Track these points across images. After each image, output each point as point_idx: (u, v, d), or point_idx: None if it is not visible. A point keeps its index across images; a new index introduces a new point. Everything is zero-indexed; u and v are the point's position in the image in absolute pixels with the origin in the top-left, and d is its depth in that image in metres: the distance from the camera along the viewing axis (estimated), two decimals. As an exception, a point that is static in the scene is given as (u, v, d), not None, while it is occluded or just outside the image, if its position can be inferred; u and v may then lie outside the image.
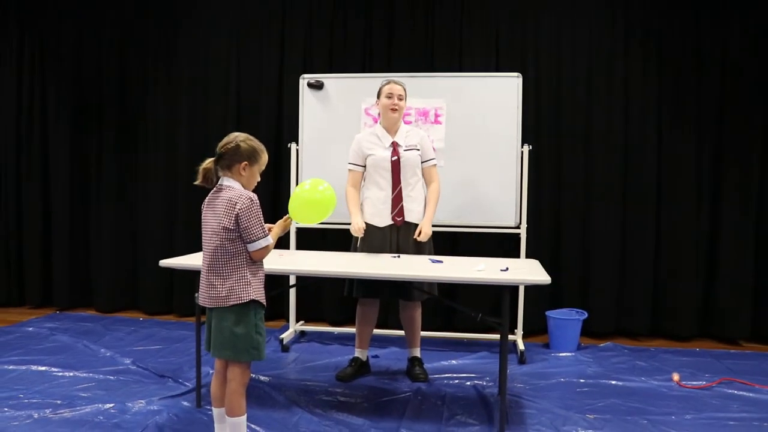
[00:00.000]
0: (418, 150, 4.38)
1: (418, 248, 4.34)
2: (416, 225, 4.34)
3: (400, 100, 4.35)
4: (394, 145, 4.36)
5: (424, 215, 4.36)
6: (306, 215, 3.36)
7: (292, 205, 3.35)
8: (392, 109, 4.34)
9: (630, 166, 5.60)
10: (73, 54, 6.45)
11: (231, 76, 6.12)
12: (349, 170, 4.47)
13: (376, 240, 4.34)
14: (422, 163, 4.41)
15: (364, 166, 4.43)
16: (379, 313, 4.62)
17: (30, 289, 6.62)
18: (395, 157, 4.33)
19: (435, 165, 4.47)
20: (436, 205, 4.41)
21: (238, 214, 2.89)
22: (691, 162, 5.53)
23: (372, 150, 4.38)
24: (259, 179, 3.10)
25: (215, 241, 2.94)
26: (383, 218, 4.36)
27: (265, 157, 3.08)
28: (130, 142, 6.40)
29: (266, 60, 6.05)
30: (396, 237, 4.36)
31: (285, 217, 3.24)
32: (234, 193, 2.94)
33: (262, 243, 2.95)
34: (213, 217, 2.96)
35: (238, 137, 2.99)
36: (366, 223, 4.35)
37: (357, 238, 4.37)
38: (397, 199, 4.33)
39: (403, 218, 4.34)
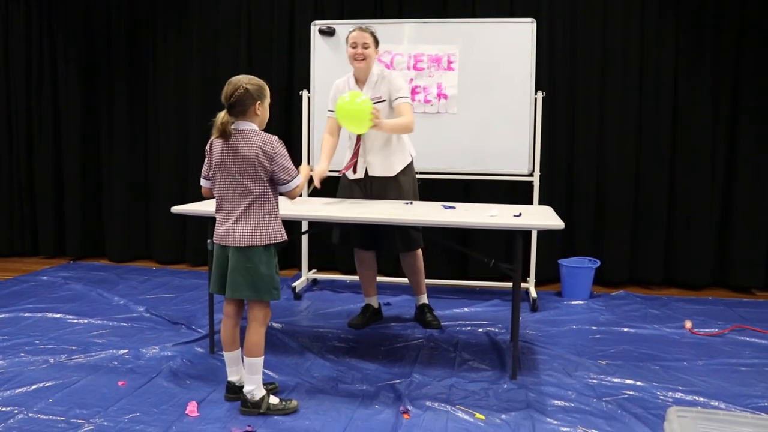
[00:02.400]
0: (385, 101, 4.17)
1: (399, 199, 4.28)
2: (382, 179, 4.27)
3: (366, 48, 4.11)
4: None
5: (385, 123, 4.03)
6: (348, 123, 3.87)
7: (339, 115, 3.84)
8: (356, 59, 4.15)
9: (645, 113, 5.51)
10: (81, 5, 6.36)
11: (242, 24, 6.03)
12: (327, 117, 4.39)
13: (353, 190, 4.32)
14: (392, 101, 4.18)
15: None
16: (378, 259, 4.62)
17: (43, 239, 6.66)
18: None
19: (406, 102, 4.17)
20: (396, 128, 4.12)
21: (273, 158, 2.97)
22: (708, 109, 5.43)
23: None
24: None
25: (251, 185, 2.98)
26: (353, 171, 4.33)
27: (268, 90, 3.10)
28: (141, 91, 6.36)
29: (277, 7, 5.95)
30: (370, 189, 4.31)
31: (304, 164, 3.28)
32: (261, 138, 2.99)
33: (296, 182, 3.07)
34: (241, 160, 2.97)
35: (241, 81, 2.98)
36: (344, 175, 4.36)
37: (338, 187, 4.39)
38: (354, 155, 4.26)
39: (356, 173, 4.27)
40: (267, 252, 3.02)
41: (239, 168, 2.98)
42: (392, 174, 4.28)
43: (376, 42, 4.20)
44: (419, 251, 4.46)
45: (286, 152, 3.03)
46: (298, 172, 3.11)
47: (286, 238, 3.09)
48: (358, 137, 4.23)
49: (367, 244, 4.38)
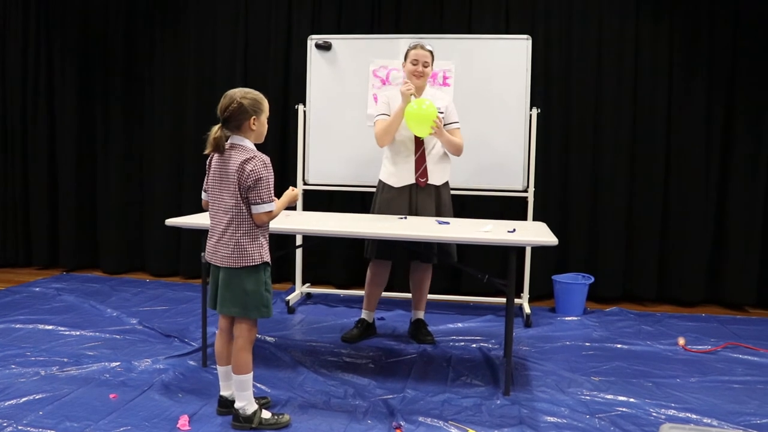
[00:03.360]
0: (443, 113, 4.29)
1: (438, 211, 4.33)
2: (434, 186, 4.33)
3: (426, 67, 4.26)
4: None
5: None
6: (413, 125, 4.06)
7: (407, 117, 4.04)
8: (416, 75, 4.27)
9: (639, 129, 5.54)
10: (79, 14, 6.36)
11: (238, 37, 6.04)
12: (378, 121, 4.37)
13: (394, 200, 4.33)
14: (445, 125, 4.27)
15: None
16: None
17: (37, 250, 6.62)
18: None
19: (458, 128, 4.38)
20: (451, 143, 4.27)
21: (250, 176, 2.89)
22: (702, 125, 5.46)
23: None
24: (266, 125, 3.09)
25: (232, 202, 2.94)
26: (400, 179, 4.33)
27: (266, 103, 3.05)
28: (137, 102, 6.36)
29: (274, 21, 5.97)
30: (415, 198, 4.32)
31: (291, 188, 3.20)
32: (249, 155, 2.93)
33: (266, 207, 2.94)
34: (226, 176, 2.95)
35: (236, 96, 2.93)
36: (383, 183, 4.39)
37: (376, 199, 4.45)
38: (420, 161, 4.30)
39: (427, 179, 4.31)
40: (255, 269, 2.99)
41: (223, 184, 2.96)
42: (438, 183, 4.36)
43: (433, 60, 4.34)
44: (431, 267, 4.53)
45: (270, 176, 2.94)
46: (274, 200, 2.99)
47: (266, 260, 3.02)
48: (418, 147, 4.29)
49: (392, 252, 4.35)
